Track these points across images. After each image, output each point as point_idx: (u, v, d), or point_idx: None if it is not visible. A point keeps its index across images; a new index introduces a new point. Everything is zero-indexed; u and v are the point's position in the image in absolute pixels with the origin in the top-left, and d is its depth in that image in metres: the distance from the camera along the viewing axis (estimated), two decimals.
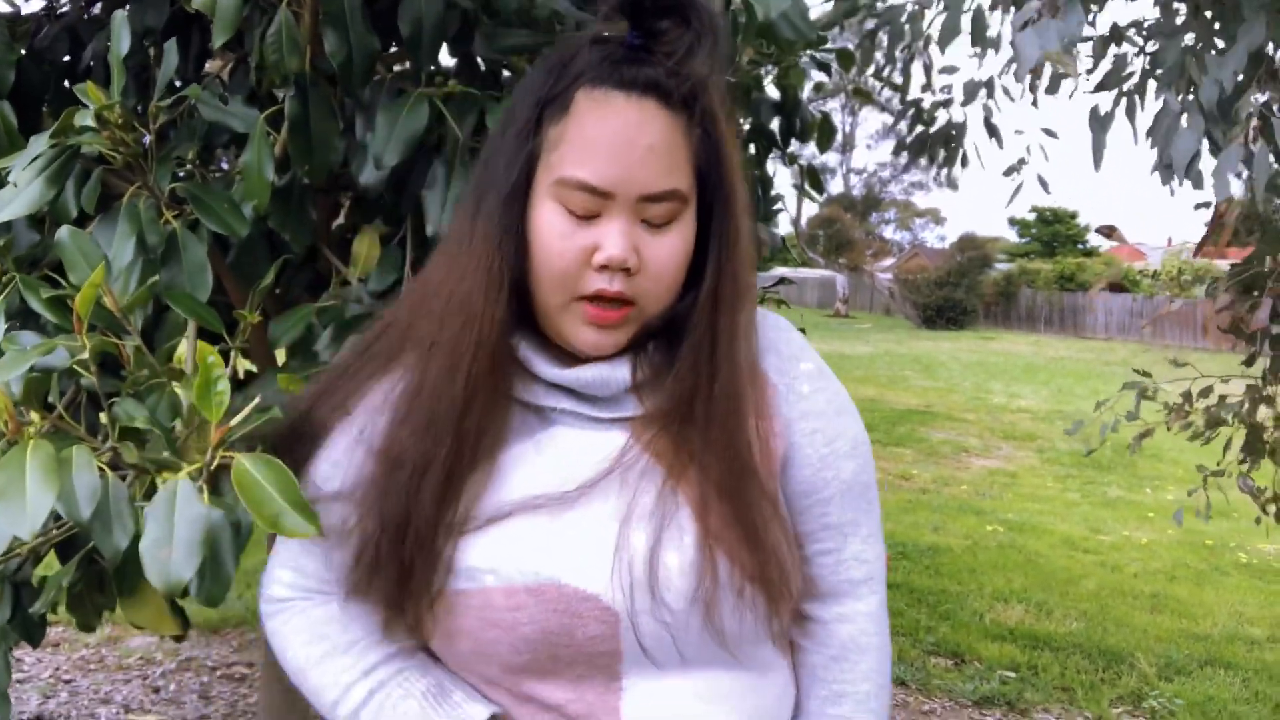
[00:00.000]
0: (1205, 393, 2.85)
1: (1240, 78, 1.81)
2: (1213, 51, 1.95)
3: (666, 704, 0.77)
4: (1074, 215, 32.40)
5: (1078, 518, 6.01)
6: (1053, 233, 31.95)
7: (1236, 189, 1.79)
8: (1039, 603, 4.21)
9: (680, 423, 0.78)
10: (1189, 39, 2.03)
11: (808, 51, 2.12)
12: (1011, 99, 2.90)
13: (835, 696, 0.84)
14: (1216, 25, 1.99)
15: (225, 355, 1.13)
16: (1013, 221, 33.34)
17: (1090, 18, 2.48)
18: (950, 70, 2.99)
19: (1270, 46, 1.90)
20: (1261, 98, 1.80)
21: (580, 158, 0.74)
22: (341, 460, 0.80)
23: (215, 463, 0.78)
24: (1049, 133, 2.83)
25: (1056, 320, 23.91)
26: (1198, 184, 1.87)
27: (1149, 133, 1.97)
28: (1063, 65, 1.84)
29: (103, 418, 0.94)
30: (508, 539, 0.75)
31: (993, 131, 2.93)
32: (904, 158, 3.09)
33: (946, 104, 3.02)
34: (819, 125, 2.28)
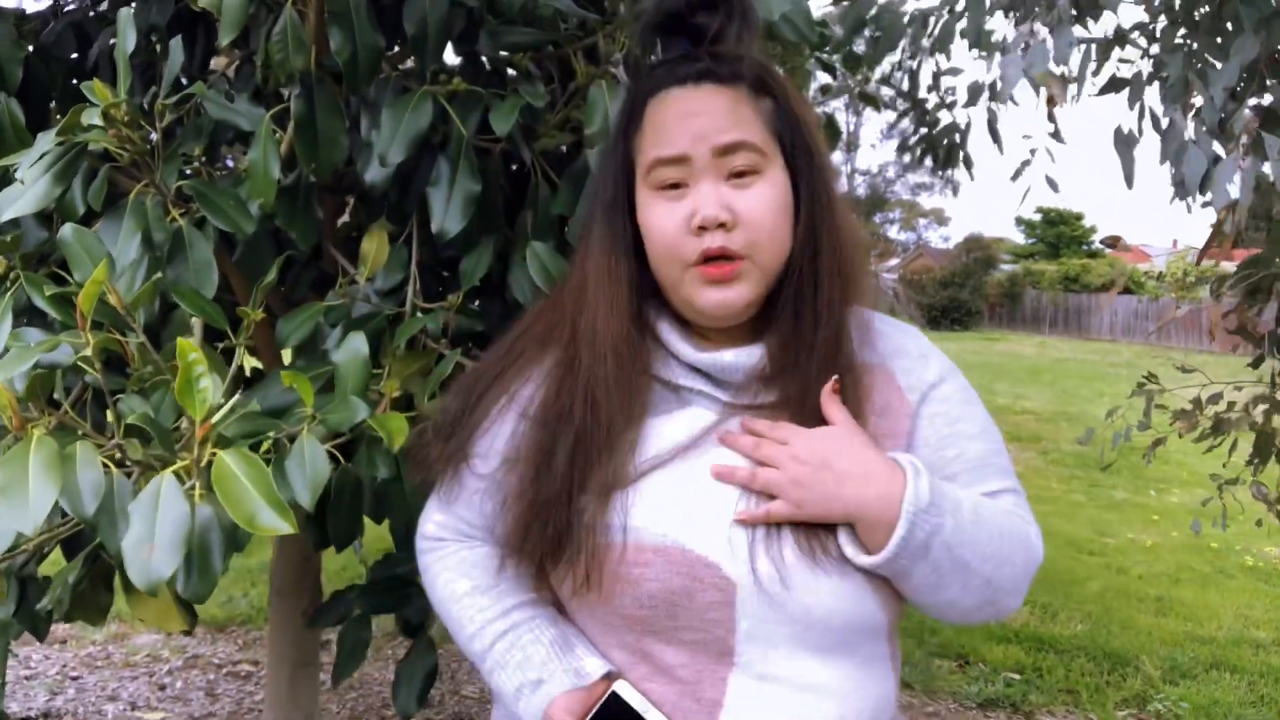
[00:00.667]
0: (1214, 399, 2.83)
1: (1240, 85, 1.81)
2: (1215, 66, 1.95)
3: (772, 686, 0.79)
4: (1079, 216, 32.32)
5: (1083, 520, 5.99)
6: (1058, 234, 31.87)
7: (1234, 192, 1.79)
8: (1044, 605, 4.20)
9: (803, 409, 0.83)
10: (1193, 45, 2.02)
11: (814, 54, 2.11)
12: (1016, 104, 2.89)
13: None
14: (1218, 40, 1.99)
15: (230, 353, 1.13)
16: (1019, 222, 33.28)
17: (1089, 24, 2.47)
18: (954, 72, 2.98)
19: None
20: (1254, 108, 1.80)
21: (655, 143, 0.84)
22: (503, 431, 0.88)
23: (205, 459, 0.78)
24: (1056, 137, 2.82)
25: (1061, 321, 23.86)
26: (1210, 201, 1.88)
27: (1162, 150, 1.97)
28: (1050, 88, 1.84)
29: (108, 414, 0.94)
30: (640, 501, 0.81)
31: (995, 136, 2.92)
32: (908, 159, 3.07)
33: (950, 105, 3.01)
34: (824, 127, 2.28)
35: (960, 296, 23.82)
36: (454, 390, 0.94)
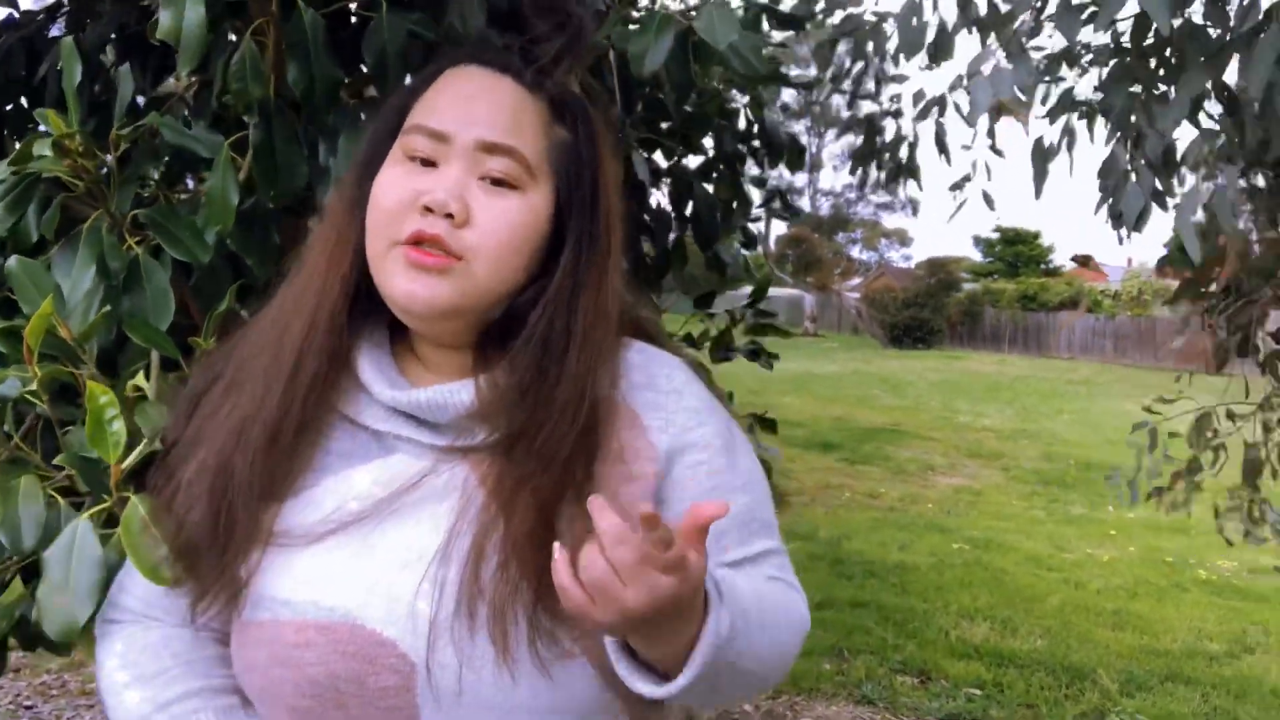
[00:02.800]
0: (1206, 419, 2.88)
1: (1185, 120, 1.85)
2: (1157, 93, 2.00)
3: None
4: (1036, 235, 32.95)
5: (1042, 535, 6.08)
6: (1016, 253, 32.46)
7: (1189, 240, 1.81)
8: (1004, 620, 4.26)
9: (520, 452, 0.71)
10: (1136, 87, 2.08)
11: (765, 86, 2.15)
12: (962, 115, 2.91)
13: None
14: (1161, 72, 2.04)
15: (183, 381, 1.13)
16: (977, 240, 33.87)
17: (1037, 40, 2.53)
18: (900, 79, 3.02)
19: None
20: (1203, 131, 1.85)
21: (426, 109, 0.76)
22: (189, 461, 0.76)
23: (123, 502, 0.77)
24: (996, 151, 2.88)
25: (1020, 339, 24.27)
26: (1139, 230, 1.93)
27: (1099, 176, 2.02)
28: (1015, 111, 1.89)
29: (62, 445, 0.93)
30: (307, 568, 0.70)
31: (943, 149, 2.96)
32: (859, 174, 3.11)
33: (895, 114, 3.05)
34: (788, 147, 2.31)
35: (922, 315, 24.16)
36: (180, 402, 0.82)
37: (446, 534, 0.70)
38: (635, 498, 0.73)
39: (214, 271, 1.27)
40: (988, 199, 2.66)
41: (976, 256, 33.65)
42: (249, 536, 0.71)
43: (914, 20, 2.28)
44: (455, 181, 0.73)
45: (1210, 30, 1.85)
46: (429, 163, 0.74)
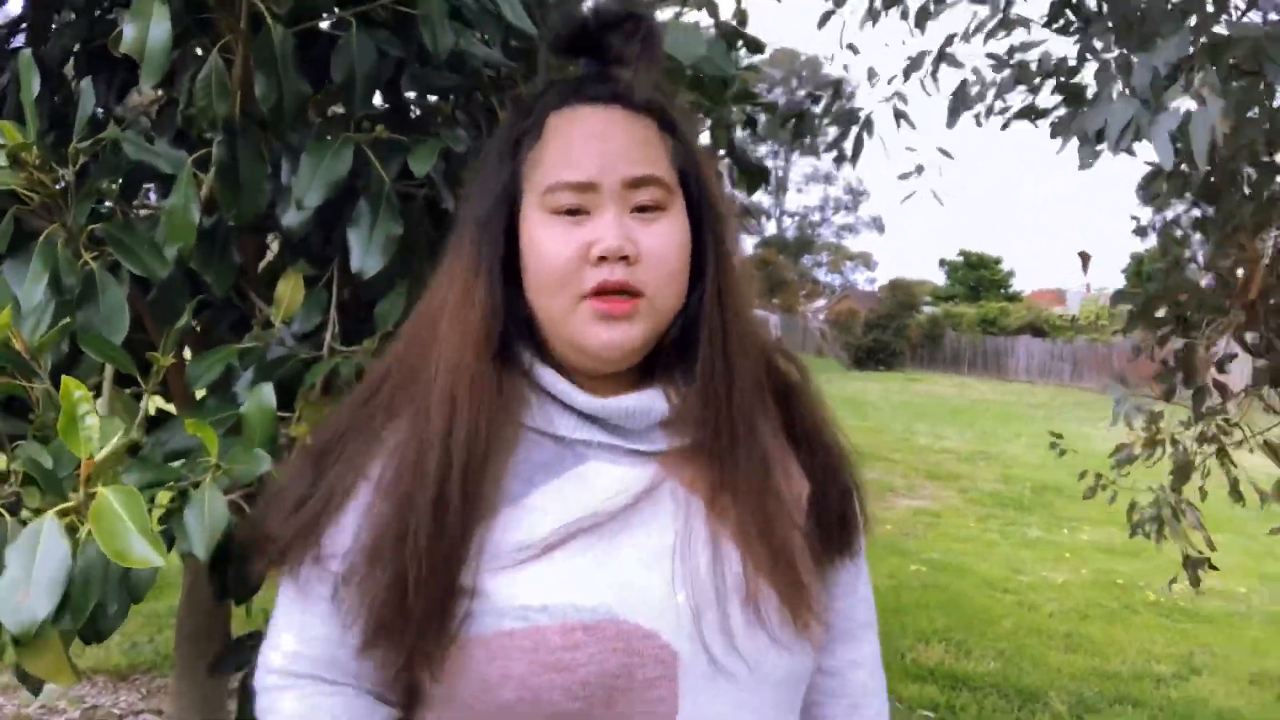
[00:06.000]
0: (1159, 416, 2.96)
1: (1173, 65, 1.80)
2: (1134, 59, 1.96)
3: None
4: (998, 261, 33.55)
5: (998, 558, 6.16)
6: (977, 277, 33.01)
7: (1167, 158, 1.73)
8: (959, 642, 4.30)
9: (711, 452, 0.77)
10: (1109, 55, 2.08)
11: (736, 106, 2.18)
12: (927, 92, 2.89)
13: None
14: (1127, 52, 2.05)
15: (138, 397, 1.12)
16: (942, 263, 34.37)
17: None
18: (853, 49, 3.04)
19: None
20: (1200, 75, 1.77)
21: (559, 162, 0.76)
22: (353, 518, 0.75)
23: (90, 498, 0.77)
24: (944, 153, 2.93)
25: (980, 363, 24.64)
26: (1125, 148, 1.81)
27: (1073, 122, 1.95)
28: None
29: (4, 461, 0.92)
30: (557, 574, 0.71)
31: (901, 116, 2.96)
32: (807, 141, 3.12)
33: (841, 87, 3.07)
34: (751, 171, 2.34)
35: (884, 338, 24.45)
36: (294, 468, 0.80)
37: (676, 533, 0.75)
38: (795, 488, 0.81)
39: (172, 287, 1.26)
40: (936, 196, 2.71)
41: (940, 280, 34.17)
42: (458, 560, 0.71)
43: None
44: (617, 224, 0.75)
45: None
46: (578, 211, 0.76)
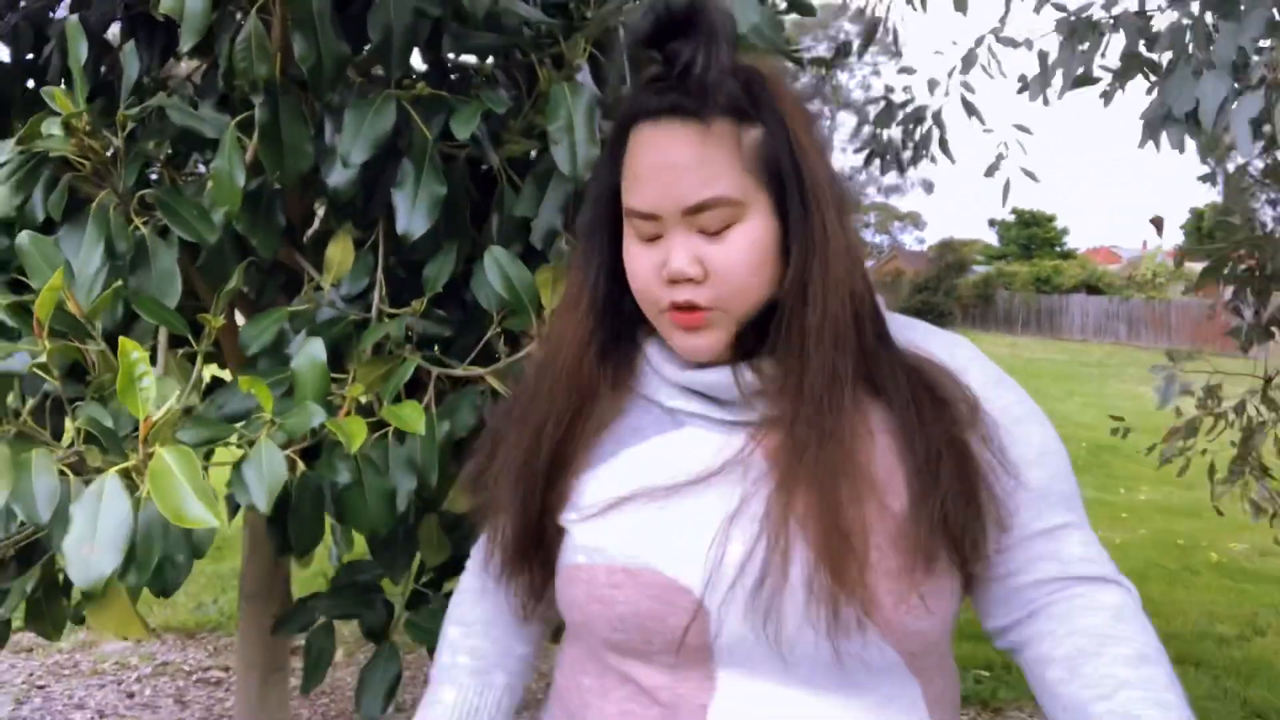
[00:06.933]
0: (1218, 387, 2.85)
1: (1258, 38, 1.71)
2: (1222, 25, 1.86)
3: (755, 715, 0.76)
4: (1052, 218, 32.72)
5: None
6: (1030, 235, 32.24)
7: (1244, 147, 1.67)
8: None
9: (793, 426, 0.79)
10: (1196, 8, 1.97)
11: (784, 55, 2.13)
12: (990, 75, 2.81)
13: (1139, 658, 0.78)
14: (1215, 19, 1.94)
15: (192, 358, 1.14)
16: (993, 223, 33.64)
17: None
18: (909, 71, 2.98)
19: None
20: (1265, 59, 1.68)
21: (630, 188, 0.82)
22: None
23: (149, 458, 0.78)
24: (1021, 128, 2.84)
25: (1034, 322, 24.14)
26: (1199, 132, 1.75)
27: (1157, 92, 1.86)
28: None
29: (67, 422, 0.94)
30: (620, 522, 0.81)
31: (971, 110, 2.89)
32: (877, 164, 3.07)
33: (906, 105, 3.01)
34: None
35: (933, 299, 24.05)
36: (482, 436, 0.94)
37: (739, 500, 0.78)
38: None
39: (220, 251, 1.28)
40: (1029, 174, 2.63)
41: (992, 239, 33.45)
42: (552, 510, 0.84)
43: None
44: (683, 248, 0.79)
45: None
46: (656, 236, 0.81)
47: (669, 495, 0.80)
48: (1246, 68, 1.68)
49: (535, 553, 0.86)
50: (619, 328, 0.88)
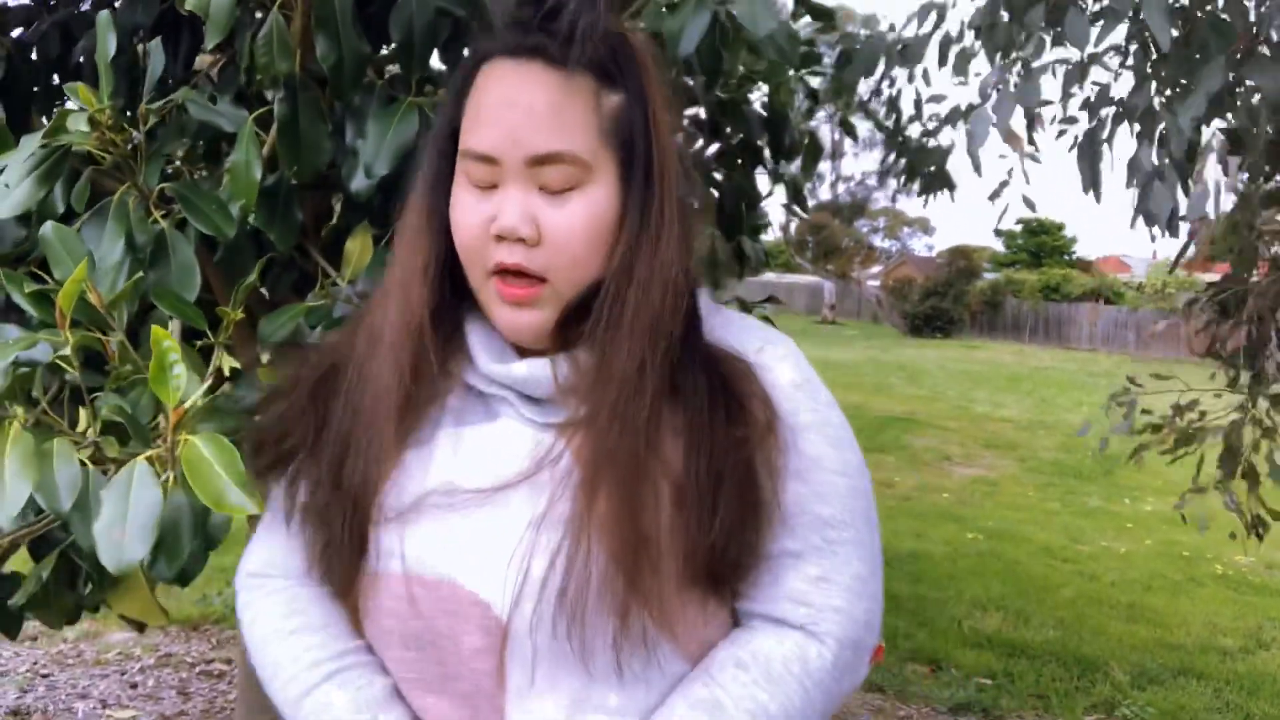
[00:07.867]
0: (1190, 406, 2.87)
1: (1200, 118, 1.83)
2: (1179, 91, 1.98)
3: None
4: (1060, 227, 32.65)
5: (1057, 527, 6.05)
6: (1039, 243, 32.17)
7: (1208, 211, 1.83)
8: (1017, 610, 4.25)
9: (598, 419, 0.72)
10: (1161, 72, 2.05)
11: (797, 72, 2.15)
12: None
13: (712, 705, 0.72)
14: (1179, 77, 2.02)
15: (208, 352, 1.15)
16: (998, 233, 33.61)
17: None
18: (938, 99, 2.99)
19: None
20: (1223, 130, 1.83)
21: (471, 127, 0.73)
22: (306, 438, 0.79)
23: (177, 446, 0.79)
24: (1033, 158, 2.84)
25: (1041, 330, 24.08)
26: (1174, 233, 1.90)
27: (1129, 170, 2.00)
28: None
29: (82, 412, 0.95)
30: (422, 527, 0.73)
31: (975, 162, 2.92)
32: (892, 185, 3.08)
33: (934, 133, 3.03)
34: (806, 145, 2.31)
35: (942, 305, 24.02)
36: (265, 398, 0.84)
37: (546, 503, 0.71)
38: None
39: (238, 246, 1.29)
40: (1029, 203, 2.64)
41: (1000, 247, 33.36)
42: (373, 491, 0.74)
43: (915, 30, 2.27)
44: (518, 202, 0.72)
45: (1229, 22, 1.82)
46: (490, 185, 0.73)
47: (476, 502, 0.73)
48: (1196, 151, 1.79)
49: (331, 553, 0.77)
50: (456, 294, 0.78)
